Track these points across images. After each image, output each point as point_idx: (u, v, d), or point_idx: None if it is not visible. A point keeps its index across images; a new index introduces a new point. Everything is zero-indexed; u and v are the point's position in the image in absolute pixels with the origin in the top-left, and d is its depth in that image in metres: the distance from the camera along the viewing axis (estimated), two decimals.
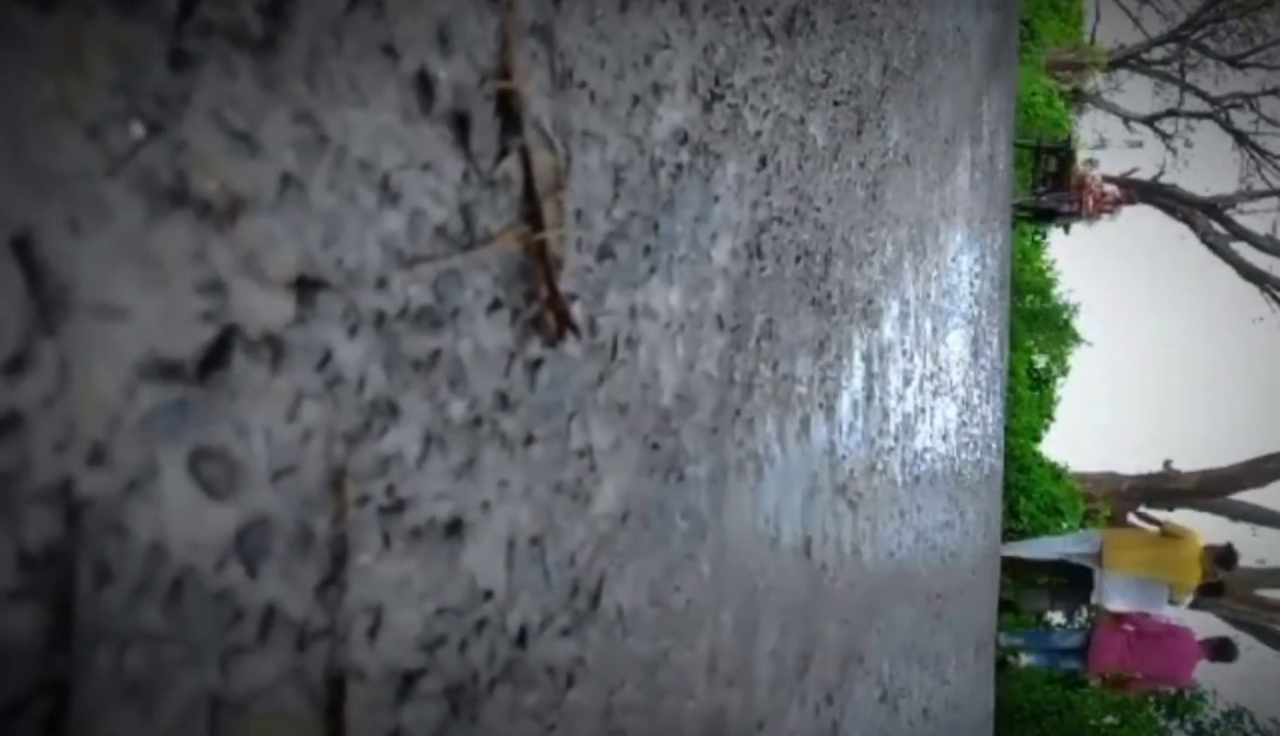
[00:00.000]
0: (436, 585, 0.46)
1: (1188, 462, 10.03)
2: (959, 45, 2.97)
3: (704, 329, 0.90)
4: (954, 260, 2.80)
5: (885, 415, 1.55)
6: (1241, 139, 14.71)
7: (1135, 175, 13.20)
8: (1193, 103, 15.23)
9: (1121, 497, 8.80)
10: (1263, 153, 14.53)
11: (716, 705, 0.80)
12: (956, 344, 2.65)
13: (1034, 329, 9.26)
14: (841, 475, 1.25)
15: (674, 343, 0.82)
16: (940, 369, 2.25)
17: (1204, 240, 13.69)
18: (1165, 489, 9.30)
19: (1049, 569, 5.34)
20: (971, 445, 2.99)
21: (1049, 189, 7.80)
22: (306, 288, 0.44)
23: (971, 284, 3.22)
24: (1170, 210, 13.67)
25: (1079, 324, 10.20)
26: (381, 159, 0.51)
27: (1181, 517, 7.69)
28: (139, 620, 0.32)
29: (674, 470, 0.76)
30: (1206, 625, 6.62)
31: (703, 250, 0.94)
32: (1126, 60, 15.34)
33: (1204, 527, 5.35)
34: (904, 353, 1.78)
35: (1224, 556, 4.93)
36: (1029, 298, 9.38)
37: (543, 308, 0.62)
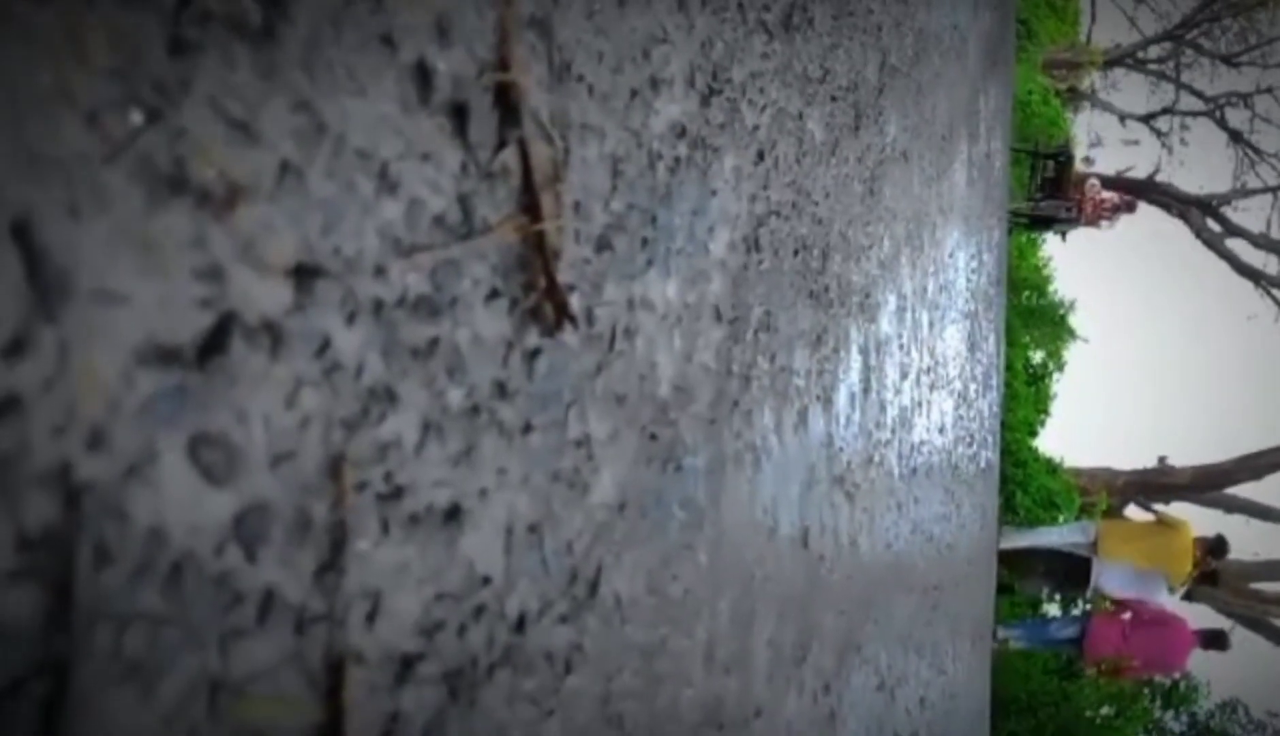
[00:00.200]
0: (435, 571, 0.47)
1: (1183, 458, 10.08)
2: (956, 43, 2.98)
3: (702, 321, 0.90)
4: (951, 256, 2.81)
5: (882, 408, 1.55)
6: (1236, 137, 14.74)
7: (1131, 173, 13.23)
8: (1188, 101, 15.26)
9: (1117, 492, 8.83)
10: (1257, 150, 14.56)
11: (714, 692, 0.80)
12: (953, 338, 2.66)
13: (1030, 325, 9.28)
14: (839, 467, 1.25)
15: (671, 334, 0.82)
16: (937, 363, 2.26)
17: (1199, 237, 13.72)
18: (1160, 484, 9.33)
19: (1046, 557, 5.38)
20: (968, 439, 3.00)
21: (1046, 195, 7.62)
22: (305, 275, 0.44)
23: (968, 279, 3.23)
24: (1165, 207, 13.70)
25: (1075, 320, 10.22)
26: (380, 148, 0.51)
27: (1176, 511, 7.74)
28: (138, 602, 0.33)
29: (671, 460, 0.77)
30: (1202, 617, 6.66)
31: (700, 243, 0.94)
32: (1122, 59, 15.36)
33: (1198, 522, 5.41)
34: (901, 346, 1.78)
35: (1215, 547, 5.04)
36: (1025, 294, 9.41)
37: (541, 298, 0.62)
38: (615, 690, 0.63)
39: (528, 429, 0.57)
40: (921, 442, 1.94)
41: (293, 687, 0.38)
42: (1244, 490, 10.43)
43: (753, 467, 0.95)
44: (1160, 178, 13.78)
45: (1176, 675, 6.84)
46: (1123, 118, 15.70)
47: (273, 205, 0.43)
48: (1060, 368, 9.87)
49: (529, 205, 0.63)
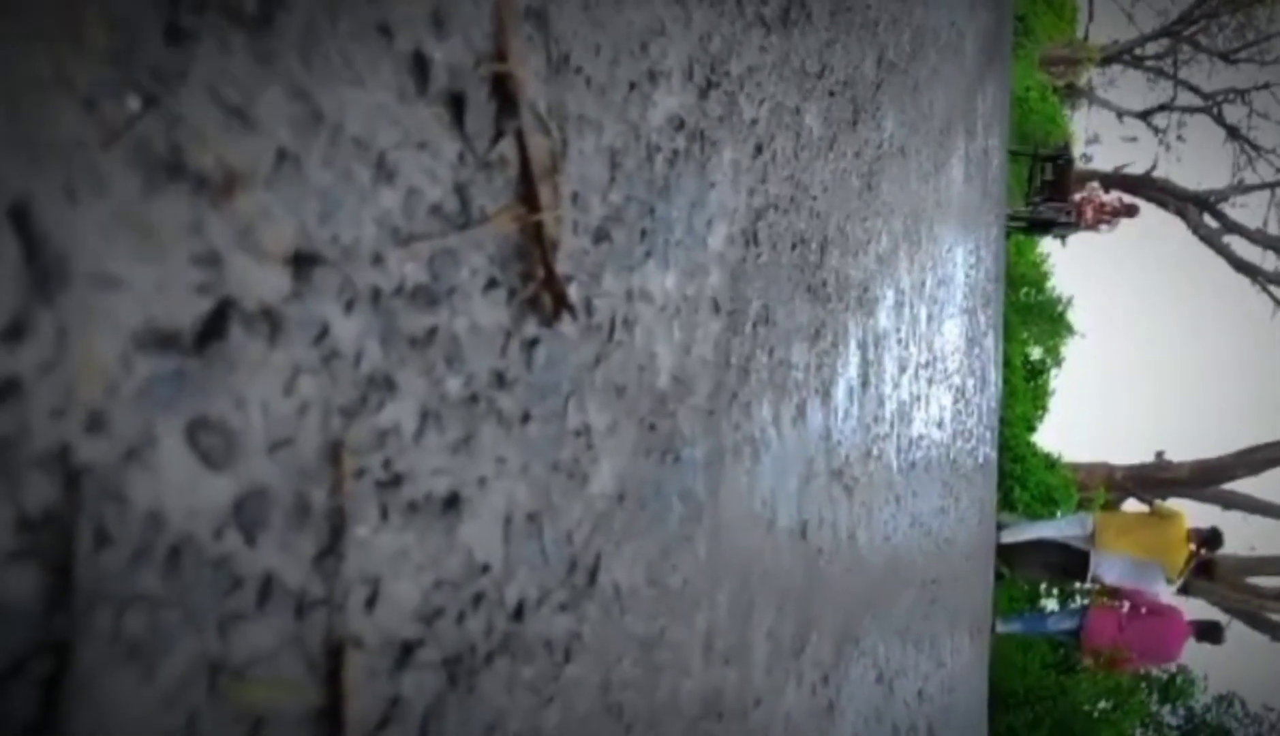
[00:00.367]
0: (434, 558, 0.47)
1: (1180, 453, 10.10)
2: (954, 39, 2.98)
3: (700, 313, 0.90)
4: (949, 251, 2.81)
5: (881, 402, 1.56)
6: (1234, 133, 14.76)
7: (1128, 169, 13.23)
8: (1186, 97, 15.27)
9: (1114, 487, 8.83)
10: (1255, 146, 14.58)
11: (713, 683, 0.80)
12: (952, 333, 2.66)
13: (1028, 321, 9.29)
14: (837, 460, 1.25)
15: (670, 326, 0.83)
16: (935, 358, 2.26)
17: (1196, 233, 13.74)
18: (1158, 478, 9.34)
19: (1045, 549, 5.41)
20: (966, 433, 3.00)
21: (1045, 198, 7.44)
22: (303, 263, 0.44)
23: (966, 275, 3.23)
24: (1163, 204, 13.71)
25: (1073, 316, 10.24)
26: (377, 137, 0.51)
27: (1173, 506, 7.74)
28: (138, 584, 0.33)
29: (670, 452, 0.77)
30: (1200, 612, 6.68)
31: (698, 236, 0.94)
32: (1120, 55, 15.37)
33: (1196, 517, 5.45)
34: (899, 341, 1.79)
35: (1209, 538, 5.10)
36: (1024, 290, 9.42)
37: (539, 288, 0.63)
38: (614, 679, 0.63)
39: (526, 418, 0.57)
40: (920, 437, 1.95)
41: (293, 671, 0.38)
42: (1241, 485, 10.45)
43: (751, 460, 0.95)
44: (1158, 174, 13.80)
45: (1171, 666, 6.88)
46: (1120, 114, 15.72)
47: (270, 192, 0.43)
48: (1058, 363, 9.89)
49: (526, 196, 0.63)
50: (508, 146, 0.62)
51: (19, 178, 0.33)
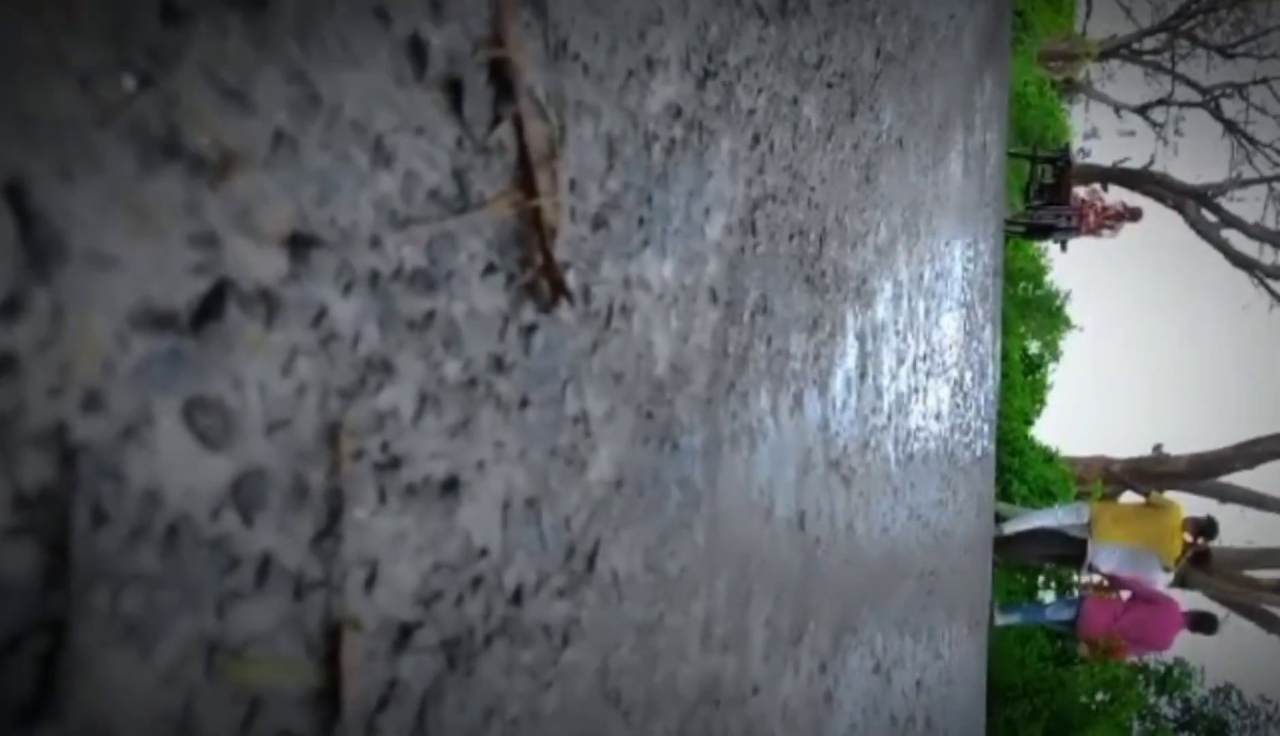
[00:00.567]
0: (432, 541, 0.47)
1: (1178, 446, 10.12)
2: (952, 33, 2.97)
3: (698, 302, 0.90)
4: (947, 244, 2.81)
5: (879, 394, 1.56)
6: (1231, 127, 14.76)
7: (1126, 164, 13.23)
8: (1183, 92, 15.27)
9: (1112, 480, 8.84)
10: (1252, 141, 14.59)
11: (711, 670, 0.81)
12: (950, 327, 2.66)
13: (1026, 315, 9.30)
14: (835, 451, 1.25)
15: (668, 314, 0.82)
16: (933, 350, 2.26)
17: (1194, 227, 13.74)
18: (1156, 472, 9.35)
19: (1042, 539, 5.43)
20: (964, 426, 3.00)
21: (1045, 202, 7.16)
22: (300, 245, 0.44)
23: (965, 268, 3.23)
24: (1161, 198, 13.71)
25: (1071, 310, 10.25)
26: (374, 121, 0.51)
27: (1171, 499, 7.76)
28: (135, 563, 0.33)
29: (668, 439, 0.77)
30: (1197, 604, 6.70)
31: (696, 225, 0.94)
32: (1118, 50, 15.37)
33: (1193, 510, 5.48)
34: (897, 333, 1.79)
35: (1205, 527, 5.15)
36: (1022, 284, 9.42)
37: (537, 274, 0.62)
38: (613, 665, 0.63)
39: (525, 404, 0.57)
40: (918, 429, 1.95)
41: (291, 652, 0.38)
42: (1239, 478, 10.47)
43: (749, 449, 0.95)
44: (1156, 168, 13.79)
45: (1168, 658, 6.93)
46: (1118, 109, 15.72)
47: (267, 174, 0.43)
48: (1056, 357, 9.91)
49: (524, 181, 0.63)
50: (506, 132, 0.62)
51: (14, 155, 0.33)
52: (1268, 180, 14.21)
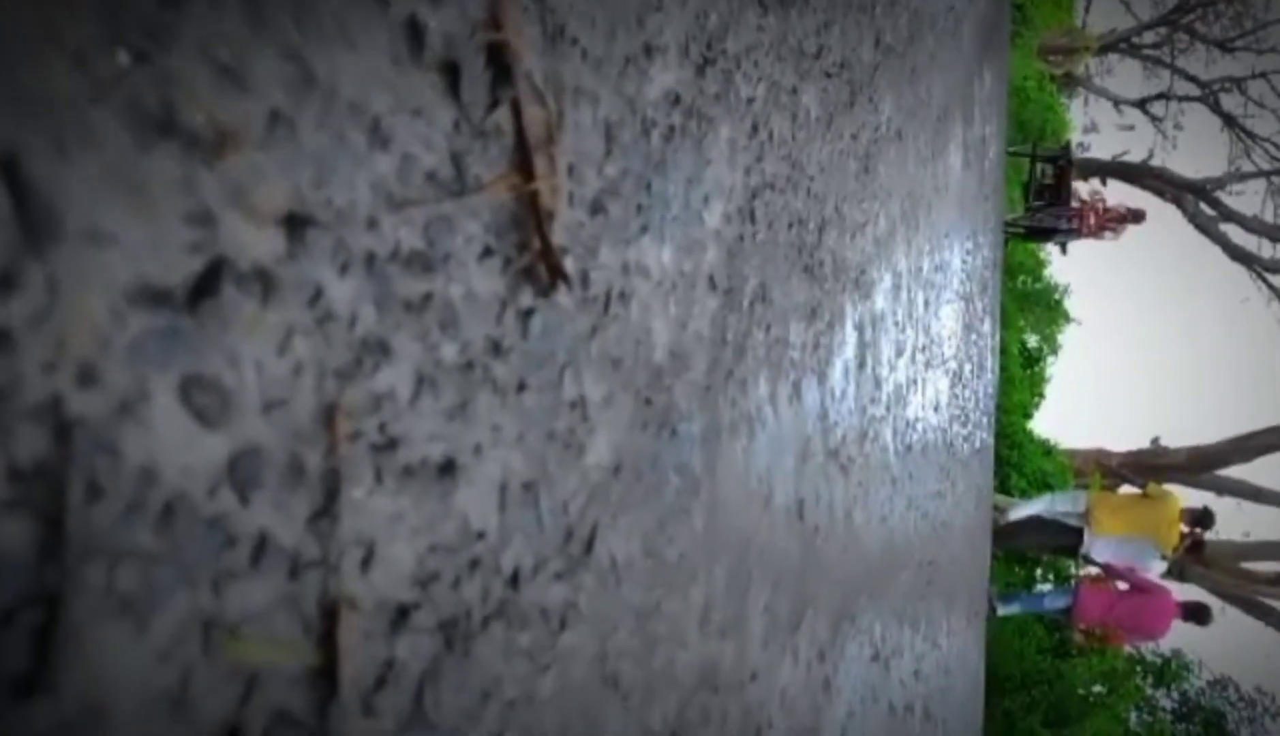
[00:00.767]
0: (429, 523, 0.46)
1: (1176, 439, 10.14)
2: (951, 25, 2.97)
3: (696, 289, 0.90)
4: (946, 236, 2.81)
5: (877, 384, 1.56)
6: (1230, 122, 14.76)
7: (1125, 158, 13.22)
8: (1183, 86, 15.26)
9: (1110, 473, 8.85)
10: (1251, 135, 14.58)
11: (710, 655, 0.81)
12: (949, 319, 2.66)
13: (1025, 308, 9.31)
14: (834, 440, 1.25)
15: (667, 301, 0.82)
16: (932, 342, 2.26)
17: (1193, 222, 13.74)
18: (1154, 465, 9.36)
19: (1039, 528, 5.46)
20: (963, 418, 3.01)
21: (1045, 203, 6.97)
22: (296, 224, 0.44)
23: (964, 261, 3.23)
24: (1160, 192, 13.71)
25: (1070, 304, 10.26)
26: (371, 102, 0.51)
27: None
28: (130, 539, 0.32)
29: (667, 425, 0.76)
30: (1194, 597, 6.73)
31: (695, 212, 0.94)
32: (1117, 44, 15.35)
33: (1190, 503, 5.51)
34: (896, 324, 1.79)
35: (1201, 517, 5.19)
36: (1021, 278, 9.43)
37: (535, 258, 0.62)
38: (611, 649, 0.63)
39: (522, 387, 0.57)
40: (917, 420, 1.95)
41: (288, 630, 0.38)
42: (1236, 471, 10.48)
43: (748, 437, 0.95)
44: (1154, 163, 13.79)
45: (1165, 650, 6.97)
46: (1117, 103, 15.71)
47: (263, 153, 0.43)
48: (1055, 351, 9.92)
49: (522, 165, 0.63)
50: (503, 116, 0.62)
51: (8, 129, 0.33)
52: (1266, 174, 14.21)
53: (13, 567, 0.29)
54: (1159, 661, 7.46)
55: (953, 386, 2.71)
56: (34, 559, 0.30)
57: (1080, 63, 13.38)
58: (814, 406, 1.19)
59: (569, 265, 0.66)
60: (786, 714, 1.00)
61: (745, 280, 1.04)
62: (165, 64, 0.39)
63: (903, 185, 2.08)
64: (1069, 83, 13.91)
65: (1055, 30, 12.12)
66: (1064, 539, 5.27)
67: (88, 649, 0.31)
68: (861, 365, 1.46)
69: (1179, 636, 5.75)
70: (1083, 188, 7.74)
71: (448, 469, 0.49)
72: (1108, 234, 7.31)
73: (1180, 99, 15.26)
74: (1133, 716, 7.27)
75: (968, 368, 3.21)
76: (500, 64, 0.62)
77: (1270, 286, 13.76)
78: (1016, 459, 6.99)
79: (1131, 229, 7.43)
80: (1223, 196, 13.93)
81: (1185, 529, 5.12)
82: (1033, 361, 8.95)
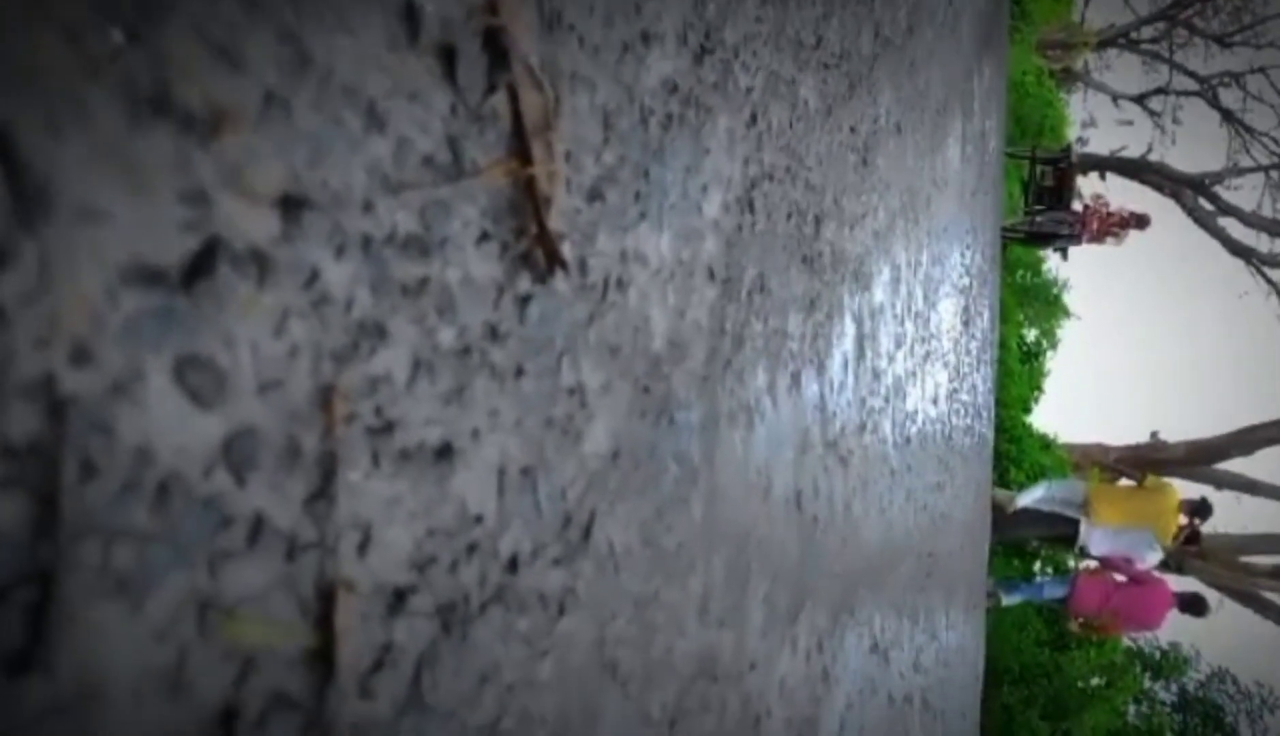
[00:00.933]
0: (426, 506, 0.46)
1: (1175, 433, 10.14)
2: (950, 19, 2.96)
3: (695, 278, 0.89)
4: (945, 230, 2.80)
5: (876, 376, 1.55)
6: (1229, 116, 14.75)
7: (1124, 153, 13.21)
8: (1181, 81, 15.25)
9: (1109, 467, 8.85)
10: (1250, 130, 14.58)
11: (708, 645, 0.80)
12: (947, 312, 2.66)
13: (1024, 303, 9.31)
14: (832, 431, 1.25)
15: (665, 289, 0.82)
16: (931, 335, 2.26)
17: (1192, 216, 13.74)
18: (1153, 459, 9.36)
19: (1035, 520, 5.47)
20: (962, 412, 3.01)
21: (1046, 207, 6.72)
22: (292, 206, 0.43)
23: (962, 254, 3.23)
24: (1159, 187, 13.70)
25: (1069, 298, 10.26)
26: (367, 85, 0.50)
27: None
28: (125, 518, 0.32)
29: (665, 414, 0.76)
30: (1192, 590, 6.75)
31: (693, 201, 0.93)
32: (1116, 39, 15.33)
33: (1189, 496, 5.53)
34: (895, 316, 1.78)
35: (1199, 507, 5.23)
36: (1019, 272, 9.42)
37: (532, 244, 0.62)
38: (609, 636, 0.63)
39: (520, 373, 0.57)
40: (915, 412, 1.95)
41: (285, 612, 0.38)
42: (1235, 465, 10.49)
43: (746, 427, 0.95)
44: (1153, 157, 13.78)
45: (1163, 642, 7.00)
46: (1116, 98, 15.70)
47: (258, 134, 0.42)
48: (1054, 345, 9.92)
49: (519, 150, 0.62)
50: (500, 101, 0.61)
51: (0, 107, 0.33)
52: (1265, 169, 14.21)
53: (6, 545, 0.29)
54: (1158, 654, 7.49)
55: (951, 380, 2.71)
56: (28, 536, 0.29)
57: (1079, 58, 13.36)
58: (813, 398, 1.19)
59: (567, 252, 0.65)
60: (785, 703, 1.00)
61: (744, 270, 1.04)
62: (159, 42, 0.39)
63: (901, 178, 2.08)
64: (1067, 78, 13.90)
65: (1054, 25, 12.10)
66: (1063, 530, 5.29)
67: (82, 627, 0.30)
68: (860, 357, 1.46)
69: (1177, 629, 5.78)
70: (1083, 183, 7.54)
71: (445, 453, 0.49)
72: (1110, 239, 7.12)
73: (1179, 94, 15.26)
74: (1131, 709, 7.29)
75: (966, 361, 3.21)
76: (497, 49, 0.62)
77: (1269, 281, 13.77)
78: (1015, 453, 6.99)
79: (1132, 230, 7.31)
80: (1221, 191, 13.93)
81: (1184, 520, 5.15)
82: (1032, 356, 8.96)
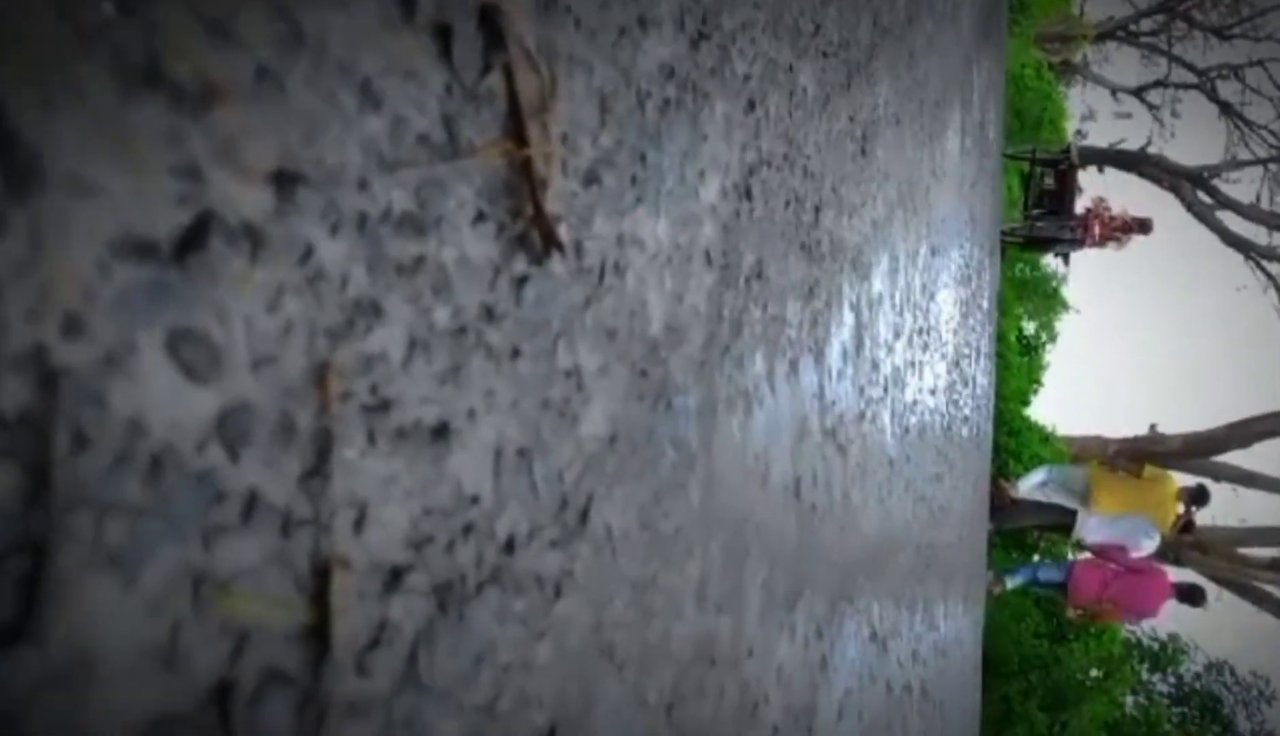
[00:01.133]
0: (422, 485, 0.46)
1: (1173, 426, 10.17)
2: (949, 10, 2.96)
3: (692, 263, 0.89)
4: (945, 221, 2.80)
5: (875, 366, 1.55)
6: (1227, 109, 14.74)
7: (1123, 145, 13.20)
8: (1180, 74, 15.24)
9: (1108, 460, 8.86)
10: (1248, 123, 14.57)
11: (706, 630, 0.80)
12: (946, 302, 2.66)
13: (1023, 296, 9.31)
14: (831, 420, 1.25)
15: (662, 274, 0.82)
16: (930, 326, 2.26)
17: (1190, 209, 13.74)
18: (1151, 451, 9.37)
19: (1034, 510, 5.50)
20: (960, 403, 3.01)
21: (1046, 210, 6.57)
22: (286, 182, 0.43)
23: (961, 246, 3.23)
24: (1157, 180, 13.70)
25: (1067, 291, 10.26)
26: (362, 63, 0.50)
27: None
28: (118, 490, 0.32)
29: (663, 398, 0.76)
30: (1190, 581, 6.78)
31: (691, 186, 0.93)
32: (1115, 32, 15.31)
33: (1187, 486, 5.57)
34: (893, 306, 1.78)
35: (1197, 495, 5.27)
36: (1018, 265, 9.42)
37: (528, 225, 0.62)
38: (606, 619, 0.63)
39: (516, 354, 0.57)
40: (914, 403, 1.95)
41: (280, 588, 0.37)
42: (1233, 457, 10.52)
43: (744, 413, 0.95)
44: (1152, 150, 13.78)
45: (1161, 634, 7.03)
46: (1115, 91, 15.68)
47: (251, 109, 0.42)
48: (1053, 338, 9.93)
49: (515, 132, 0.62)
50: (496, 81, 0.61)
51: None
52: (1263, 162, 14.21)
53: None
54: (1155, 646, 7.51)
55: (950, 371, 2.71)
56: (19, 507, 0.29)
57: (1078, 51, 13.32)
58: (811, 385, 1.19)
59: (563, 234, 0.65)
60: (783, 690, 1.00)
61: (741, 256, 1.03)
62: (150, 14, 0.38)
63: (900, 168, 2.07)
64: (1066, 71, 13.87)
65: (1053, 18, 12.07)
66: (1060, 518, 5.32)
67: (75, 599, 0.30)
68: (859, 346, 1.45)
69: (1175, 620, 5.81)
70: (1083, 178, 7.39)
71: (441, 432, 0.48)
72: (1112, 244, 6.97)
73: (1177, 86, 15.24)
74: (1129, 700, 7.32)
75: (965, 353, 3.21)
76: (493, 28, 0.61)
77: (1267, 274, 13.77)
78: (1014, 445, 7.00)
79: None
80: (1220, 184, 13.92)
81: (1182, 508, 5.18)
82: (1031, 348, 8.96)
